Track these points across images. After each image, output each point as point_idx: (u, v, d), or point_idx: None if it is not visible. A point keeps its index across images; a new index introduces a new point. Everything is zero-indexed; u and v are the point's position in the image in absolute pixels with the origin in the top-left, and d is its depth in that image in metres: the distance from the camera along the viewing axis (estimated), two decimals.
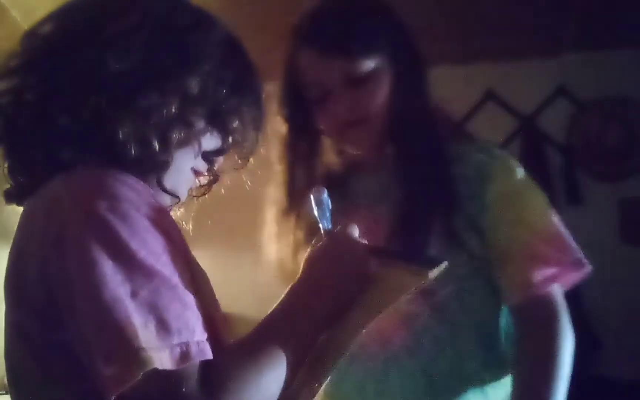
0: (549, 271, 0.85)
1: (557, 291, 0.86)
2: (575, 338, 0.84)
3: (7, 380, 0.62)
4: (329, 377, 0.75)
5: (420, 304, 0.85)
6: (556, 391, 0.80)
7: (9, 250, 0.61)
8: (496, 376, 0.88)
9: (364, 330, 0.66)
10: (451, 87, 2.64)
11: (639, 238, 2.45)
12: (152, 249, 0.53)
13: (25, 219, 0.61)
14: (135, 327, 0.49)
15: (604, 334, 2.32)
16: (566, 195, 2.52)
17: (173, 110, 0.62)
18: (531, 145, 2.60)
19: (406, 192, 0.87)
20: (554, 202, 3.02)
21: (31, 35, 0.64)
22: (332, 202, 0.87)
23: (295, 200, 0.98)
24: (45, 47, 0.63)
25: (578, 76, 2.60)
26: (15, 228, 0.60)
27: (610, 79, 2.56)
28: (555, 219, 0.89)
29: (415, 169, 0.88)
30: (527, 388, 0.82)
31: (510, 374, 0.88)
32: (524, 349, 0.85)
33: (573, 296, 2.69)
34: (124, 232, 0.52)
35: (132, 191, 0.56)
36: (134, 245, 0.52)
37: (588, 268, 0.87)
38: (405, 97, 0.89)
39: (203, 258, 2.86)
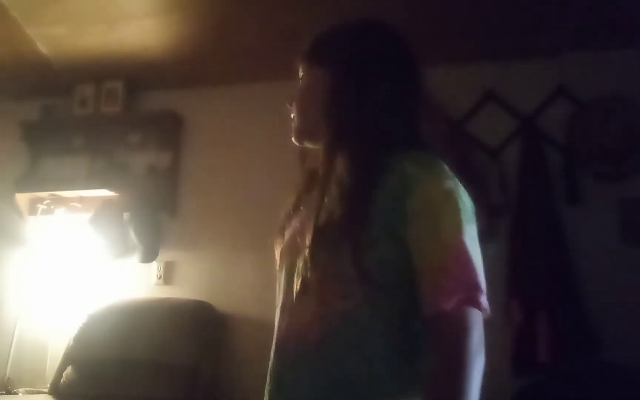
0: (455, 289, 0.82)
1: (469, 311, 0.82)
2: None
3: None
4: None
5: (333, 305, 0.87)
6: None
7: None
8: (407, 389, 0.87)
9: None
10: (451, 87, 2.68)
11: (639, 238, 2.45)
12: None
13: None
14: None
15: (604, 334, 2.32)
16: (566, 195, 2.52)
17: None
18: (531, 145, 2.60)
19: (332, 201, 0.92)
20: (554, 202, 3.00)
21: None
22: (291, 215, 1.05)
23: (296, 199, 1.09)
24: None
25: (578, 76, 2.60)
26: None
27: (610, 79, 2.56)
28: (467, 237, 0.86)
29: (346, 178, 0.93)
30: None
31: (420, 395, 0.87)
32: (429, 364, 0.83)
33: (573, 296, 2.68)
34: None
35: None
36: None
37: (483, 291, 0.84)
38: (338, 110, 0.98)
39: (204, 258, 2.89)
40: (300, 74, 1.07)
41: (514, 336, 2.34)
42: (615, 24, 2.43)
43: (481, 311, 0.83)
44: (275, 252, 1.09)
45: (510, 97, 2.67)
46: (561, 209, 2.50)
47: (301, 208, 1.06)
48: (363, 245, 0.87)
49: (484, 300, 0.84)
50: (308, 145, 1.06)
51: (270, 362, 0.96)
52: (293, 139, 1.07)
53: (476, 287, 0.83)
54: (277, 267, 1.07)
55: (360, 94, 0.97)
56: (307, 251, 0.91)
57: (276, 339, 0.96)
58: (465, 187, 0.93)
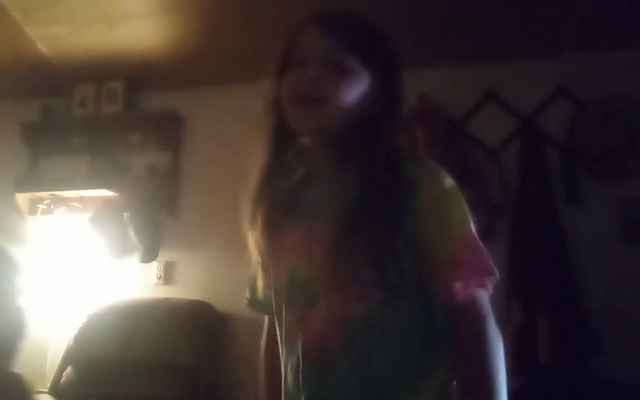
0: (468, 276, 0.86)
1: (482, 295, 0.87)
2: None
3: None
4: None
5: (352, 309, 0.87)
6: (498, 388, 0.81)
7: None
8: (431, 381, 0.89)
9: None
10: (451, 87, 2.68)
11: (639, 238, 2.44)
12: None
13: None
14: None
15: (604, 334, 2.31)
16: (566, 195, 2.52)
17: None
18: (531, 145, 2.60)
19: (352, 204, 0.90)
20: (554, 202, 2.99)
21: None
22: (276, 213, 1.00)
23: (262, 183, 1.07)
24: None
25: (578, 76, 2.60)
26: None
27: (610, 79, 2.56)
28: (473, 228, 0.91)
29: (365, 184, 0.91)
30: (469, 390, 0.84)
31: (445, 375, 0.90)
32: (458, 351, 0.86)
33: (573, 296, 2.68)
34: None
35: None
36: None
37: (497, 276, 0.88)
38: (374, 116, 0.94)
39: (204, 258, 2.87)
40: (329, 50, 0.93)
41: (514, 336, 2.34)
42: (616, 24, 2.43)
43: (494, 275, 0.88)
44: (252, 242, 1.09)
45: (510, 97, 2.66)
46: (561, 209, 2.50)
47: (278, 191, 1.03)
48: (380, 248, 0.87)
49: (493, 267, 0.88)
50: (317, 138, 0.99)
51: (290, 375, 0.93)
52: (316, 125, 0.95)
53: (489, 271, 0.87)
54: (260, 263, 1.08)
55: (393, 105, 0.96)
56: (316, 258, 0.90)
57: (291, 349, 0.93)
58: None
